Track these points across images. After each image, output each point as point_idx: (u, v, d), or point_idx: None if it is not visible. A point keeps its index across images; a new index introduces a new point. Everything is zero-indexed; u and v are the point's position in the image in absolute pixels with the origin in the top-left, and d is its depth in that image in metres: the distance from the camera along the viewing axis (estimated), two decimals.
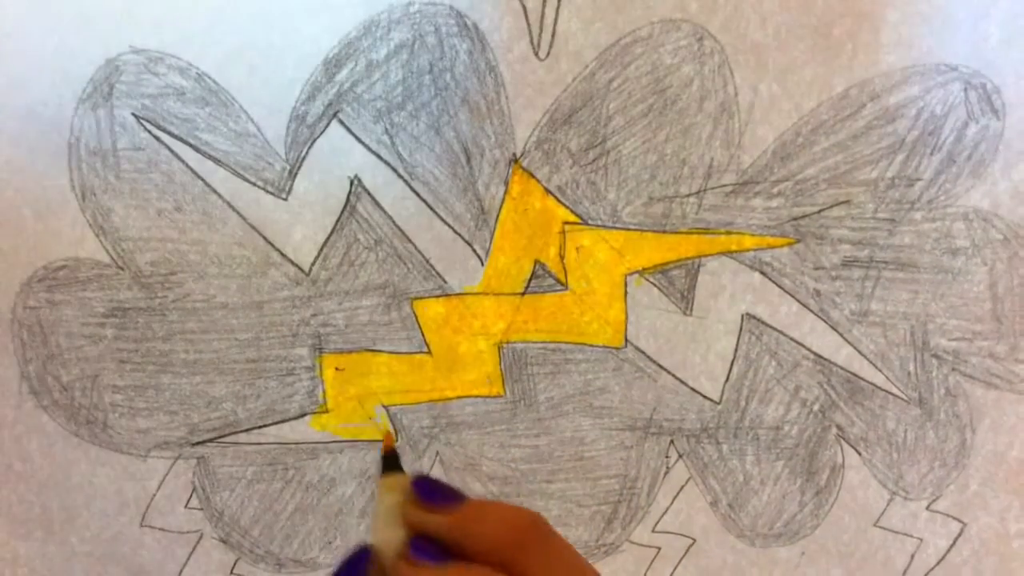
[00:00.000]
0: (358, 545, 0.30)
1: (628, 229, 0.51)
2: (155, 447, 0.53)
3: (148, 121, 0.48)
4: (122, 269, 0.50)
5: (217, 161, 0.48)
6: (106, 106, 0.47)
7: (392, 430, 0.53)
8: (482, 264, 0.51)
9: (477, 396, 0.53)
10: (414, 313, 0.52)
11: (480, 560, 0.27)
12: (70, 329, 0.50)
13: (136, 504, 0.54)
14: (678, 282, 0.51)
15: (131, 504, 0.54)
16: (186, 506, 0.54)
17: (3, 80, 0.46)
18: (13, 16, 0.45)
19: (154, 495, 0.54)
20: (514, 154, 0.49)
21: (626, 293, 0.52)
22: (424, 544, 0.28)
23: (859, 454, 0.54)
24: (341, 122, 0.48)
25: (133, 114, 0.47)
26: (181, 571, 0.55)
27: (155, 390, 0.52)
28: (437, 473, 0.54)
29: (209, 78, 0.47)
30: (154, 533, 0.54)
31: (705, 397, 0.53)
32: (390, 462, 0.31)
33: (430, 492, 0.30)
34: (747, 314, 0.52)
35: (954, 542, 0.56)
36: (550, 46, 0.48)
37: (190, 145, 0.48)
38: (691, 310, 0.52)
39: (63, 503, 0.54)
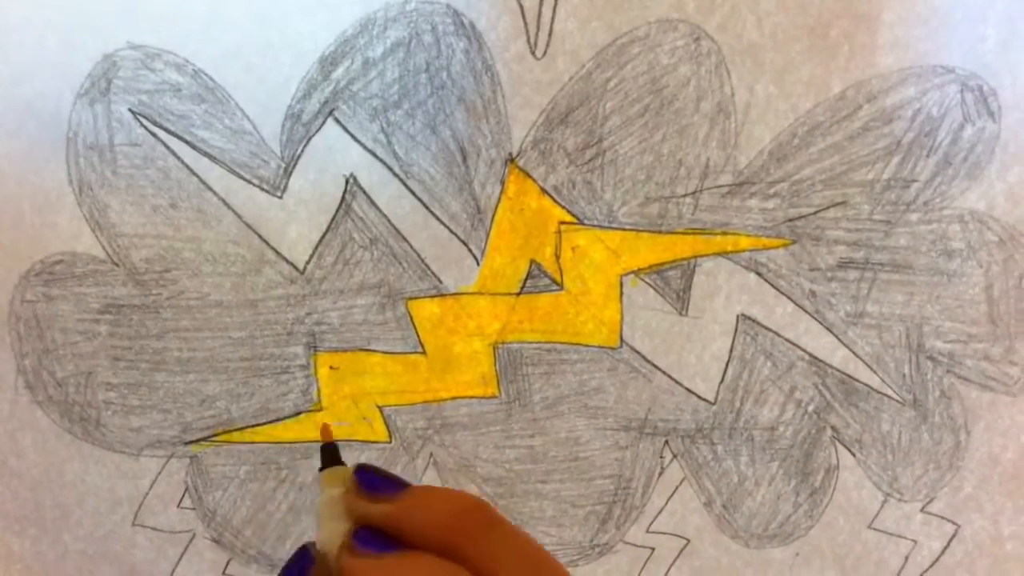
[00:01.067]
0: (301, 546, 0.29)
1: (624, 229, 0.51)
2: (148, 446, 0.53)
3: (144, 117, 0.48)
4: (117, 265, 0.50)
5: (212, 158, 0.48)
6: (103, 101, 0.47)
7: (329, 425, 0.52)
8: (478, 264, 0.51)
9: (472, 397, 0.53)
10: (409, 313, 0.51)
11: (423, 547, 0.26)
12: (65, 324, 0.50)
13: (129, 503, 0.54)
14: (674, 282, 0.51)
15: (124, 503, 0.54)
16: (179, 505, 0.54)
17: (4, 73, 0.46)
18: (15, 10, 0.45)
19: (146, 494, 0.53)
20: (510, 153, 0.49)
21: (622, 293, 0.52)
22: (368, 534, 0.27)
23: (853, 456, 0.54)
24: (337, 120, 0.48)
25: (130, 110, 0.47)
26: (173, 571, 0.55)
27: (148, 388, 0.52)
28: (431, 475, 0.54)
29: (205, 75, 0.47)
30: (146, 532, 0.54)
31: (700, 398, 0.53)
32: (330, 455, 0.31)
33: (372, 481, 0.29)
34: (742, 315, 0.52)
35: (948, 544, 0.55)
36: (547, 45, 0.48)
37: (186, 142, 0.48)
38: (687, 311, 0.52)
39: (56, 500, 0.53)
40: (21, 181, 0.48)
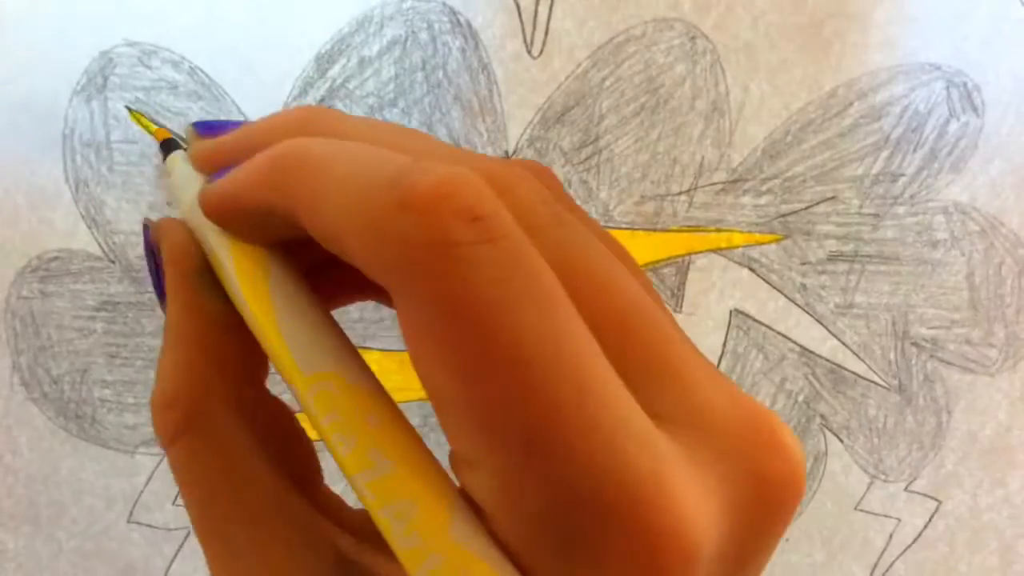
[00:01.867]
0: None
1: (620, 228, 0.51)
2: (143, 443, 0.53)
3: (140, 114, 0.47)
4: (113, 262, 0.49)
5: None
6: (100, 98, 0.47)
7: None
8: None
9: None
10: None
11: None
12: (61, 321, 0.50)
13: (124, 500, 0.54)
14: (668, 280, 0.52)
15: (119, 500, 0.54)
16: (173, 503, 0.54)
17: (1, 69, 0.46)
18: (10, 7, 0.45)
19: (141, 491, 0.53)
20: (506, 152, 0.50)
21: None
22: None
23: (841, 441, 0.55)
24: None
25: (126, 106, 0.47)
26: (168, 568, 0.55)
27: (143, 385, 0.51)
28: None
29: (202, 72, 0.47)
30: (141, 530, 0.54)
31: None
32: (170, 146, 0.28)
33: (210, 125, 0.26)
34: (735, 310, 0.53)
35: (930, 519, 0.57)
36: (543, 44, 0.48)
37: (181, 139, 0.48)
38: (681, 307, 0.53)
39: (51, 498, 0.53)
40: (17, 178, 0.47)
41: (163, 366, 0.22)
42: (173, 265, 0.23)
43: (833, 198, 0.51)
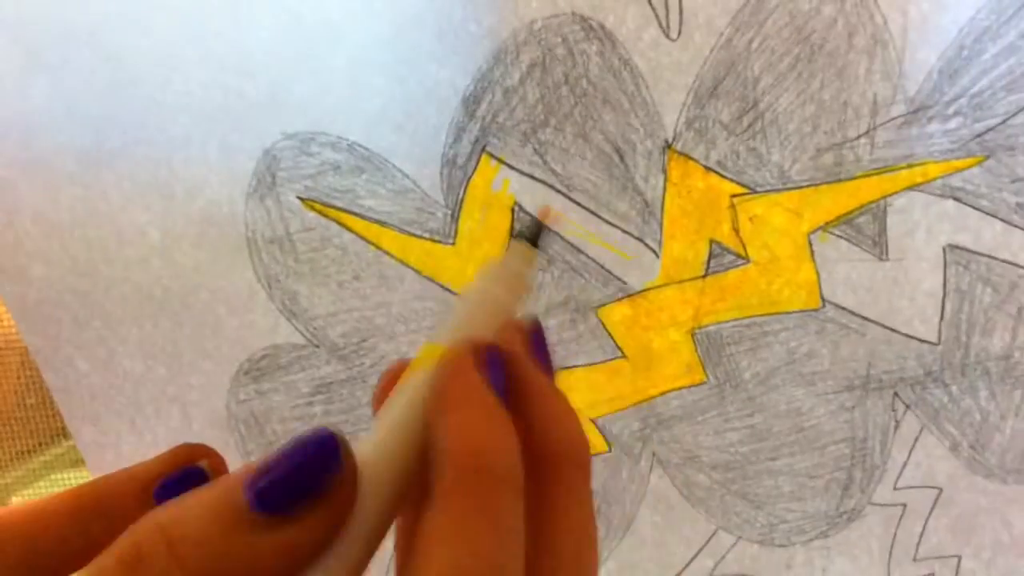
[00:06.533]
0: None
1: (801, 187, 0.49)
2: None
3: (312, 200, 0.48)
4: (318, 347, 0.51)
5: (382, 224, 0.49)
6: (272, 195, 0.48)
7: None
8: (657, 256, 0.50)
9: (681, 388, 0.52)
10: (601, 321, 0.51)
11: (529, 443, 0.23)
12: (282, 414, 0.52)
13: None
14: (866, 228, 0.49)
15: None
16: None
17: (177, 190, 0.48)
18: (176, 129, 0.47)
19: None
20: (666, 140, 0.48)
21: (812, 252, 0.49)
22: (499, 372, 0.23)
23: None
24: (490, 154, 0.48)
25: (298, 197, 0.48)
26: None
27: None
28: (657, 474, 0.53)
29: (360, 146, 0.47)
30: None
31: (922, 341, 0.50)
32: (530, 234, 0.26)
33: (541, 344, 0.26)
34: (949, 245, 0.49)
35: None
36: (680, 24, 0.46)
37: (355, 214, 0.49)
38: (887, 254, 0.49)
39: None
40: (213, 288, 0.50)
41: None
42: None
43: None
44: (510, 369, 0.24)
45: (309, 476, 0.20)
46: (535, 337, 0.26)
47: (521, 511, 0.21)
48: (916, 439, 0.52)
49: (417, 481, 0.23)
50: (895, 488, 0.53)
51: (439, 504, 0.20)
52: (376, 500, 0.21)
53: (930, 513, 0.53)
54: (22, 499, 0.61)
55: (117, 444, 0.51)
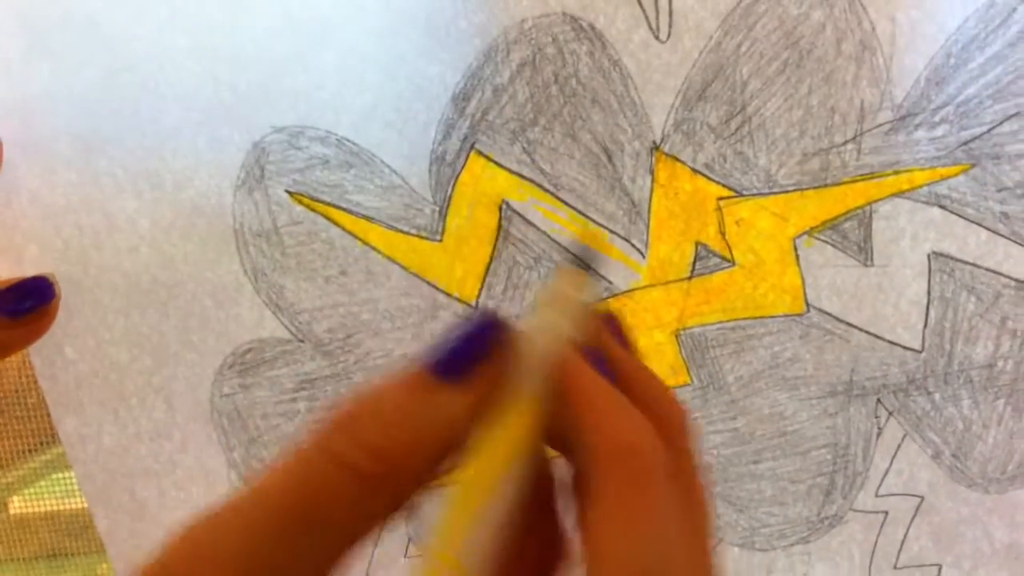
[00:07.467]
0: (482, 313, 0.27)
1: (787, 191, 0.49)
2: None
3: (300, 195, 0.49)
4: (303, 342, 0.51)
5: (370, 219, 0.49)
6: (260, 188, 0.48)
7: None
8: (643, 257, 0.50)
9: None
10: None
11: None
12: (265, 410, 0.52)
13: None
14: (852, 234, 0.49)
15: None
16: (405, 557, 0.55)
17: (167, 180, 0.48)
18: (167, 119, 0.47)
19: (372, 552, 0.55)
20: (654, 142, 0.48)
21: (798, 257, 0.50)
22: (602, 363, 0.26)
23: None
24: (479, 152, 0.48)
25: (286, 190, 0.48)
26: None
27: None
28: None
29: (348, 141, 0.48)
30: None
31: (905, 348, 0.51)
32: (584, 260, 0.28)
33: (618, 329, 0.29)
34: (933, 252, 0.49)
35: None
36: (669, 26, 0.46)
37: (343, 209, 0.49)
38: (871, 260, 0.49)
39: None
40: (200, 280, 0.50)
41: None
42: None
43: (1017, 114, 0.47)
44: (609, 359, 0.27)
45: (478, 344, 0.25)
46: (614, 326, 0.29)
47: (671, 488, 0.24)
48: (899, 446, 0.52)
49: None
50: (877, 495, 0.53)
51: (603, 504, 0.22)
52: (531, 359, 0.26)
53: (911, 521, 0.53)
54: (22, 499, 0.61)
55: (99, 436, 0.51)
